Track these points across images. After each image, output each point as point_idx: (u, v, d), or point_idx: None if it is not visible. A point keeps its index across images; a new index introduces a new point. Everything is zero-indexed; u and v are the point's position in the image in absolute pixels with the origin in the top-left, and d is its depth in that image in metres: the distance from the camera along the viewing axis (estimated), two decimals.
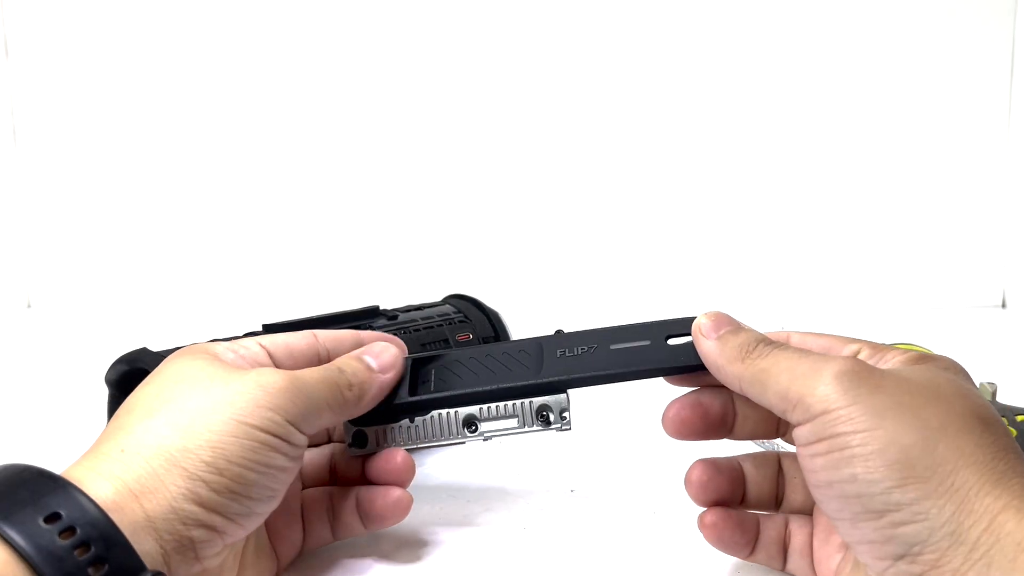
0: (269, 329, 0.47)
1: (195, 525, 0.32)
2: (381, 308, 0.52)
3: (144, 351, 0.51)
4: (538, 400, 0.40)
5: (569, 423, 0.40)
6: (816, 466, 0.32)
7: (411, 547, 0.42)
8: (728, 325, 0.37)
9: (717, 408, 0.38)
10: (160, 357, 0.44)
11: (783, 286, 0.86)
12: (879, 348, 0.36)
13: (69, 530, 0.28)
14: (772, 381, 0.34)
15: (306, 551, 0.41)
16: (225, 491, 0.32)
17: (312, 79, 0.85)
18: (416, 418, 0.41)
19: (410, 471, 0.41)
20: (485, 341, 0.54)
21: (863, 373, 0.32)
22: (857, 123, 0.84)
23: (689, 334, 0.38)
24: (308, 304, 0.58)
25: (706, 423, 0.38)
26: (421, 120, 0.85)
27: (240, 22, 0.84)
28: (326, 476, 0.43)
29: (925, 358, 0.35)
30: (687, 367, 0.38)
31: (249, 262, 0.87)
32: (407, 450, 0.41)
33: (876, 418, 0.31)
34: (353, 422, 0.41)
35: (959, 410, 0.32)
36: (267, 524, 0.39)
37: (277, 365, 0.39)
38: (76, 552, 0.28)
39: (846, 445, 0.31)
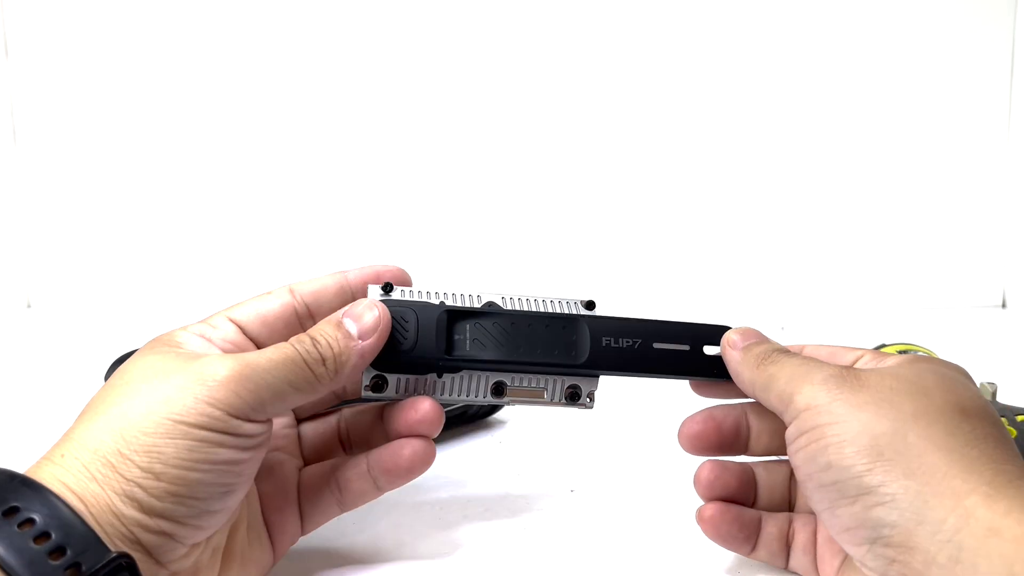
0: None
1: (142, 530, 0.30)
2: None
3: None
4: (571, 379, 0.41)
5: (593, 403, 0.41)
6: (799, 460, 0.34)
7: (409, 547, 0.42)
8: (754, 339, 0.39)
9: (730, 422, 0.40)
10: None
11: (784, 286, 0.86)
12: (880, 355, 0.37)
13: (43, 535, 0.28)
14: (774, 384, 0.36)
15: (311, 530, 0.40)
16: (165, 495, 0.31)
17: (312, 81, 0.85)
18: (445, 374, 0.40)
19: (438, 421, 0.39)
20: None
21: (848, 376, 0.34)
22: (857, 123, 0.84)
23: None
24: None
25: (720, 436, 0.40)
26: (419, 119, 0.85)
27: (240, 22, 0.84)
28: (335, 445, 0.42)
29: (921, 359, 0.36)
30: (717, 376, 0.40)
31: (249, 262, 0.87)
32: None
33: (853, 411, 0.33)
34: (376, 367, 0.38)
35: (939, 402, 0.33)
36: (263, 512, 0.38)
37: (251, 337, 0.37)
38: (50, 557, 0.28)
39: (822, 436, 0.33)
